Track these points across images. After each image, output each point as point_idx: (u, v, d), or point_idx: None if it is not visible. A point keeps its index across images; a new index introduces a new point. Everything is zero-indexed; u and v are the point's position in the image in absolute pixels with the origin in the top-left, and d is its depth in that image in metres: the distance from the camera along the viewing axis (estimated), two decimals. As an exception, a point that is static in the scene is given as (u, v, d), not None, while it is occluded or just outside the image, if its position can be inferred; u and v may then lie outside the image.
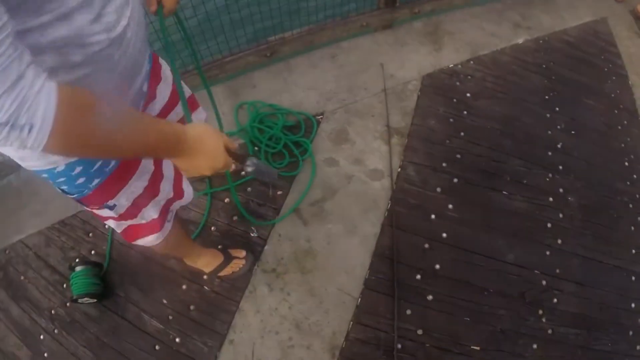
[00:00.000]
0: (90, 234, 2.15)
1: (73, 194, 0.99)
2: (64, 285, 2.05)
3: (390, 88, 2.34)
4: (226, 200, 2.05)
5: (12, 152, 0.84)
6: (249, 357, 1.71)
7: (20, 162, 0.87)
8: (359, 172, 2.06)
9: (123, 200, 1.09)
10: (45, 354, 1.93)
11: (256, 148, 2.12)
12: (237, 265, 1.89)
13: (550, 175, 2.19)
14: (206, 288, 1.87)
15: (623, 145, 2.42)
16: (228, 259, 1.87)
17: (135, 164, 1.06)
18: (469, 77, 2.41)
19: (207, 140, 0.86)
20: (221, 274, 1.88)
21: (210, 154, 0.87)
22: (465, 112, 2.28)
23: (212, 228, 2.00)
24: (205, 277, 1.89)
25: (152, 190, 1.16)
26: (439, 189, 2.06)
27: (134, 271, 2.01)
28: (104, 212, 1.10)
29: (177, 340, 1.80)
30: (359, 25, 2.52)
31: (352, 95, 2.33)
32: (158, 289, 1.93)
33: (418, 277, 1.85)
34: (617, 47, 2.83)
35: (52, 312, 2.01)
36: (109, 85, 0.81)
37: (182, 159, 0.85)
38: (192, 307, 1.85)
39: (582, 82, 2.56)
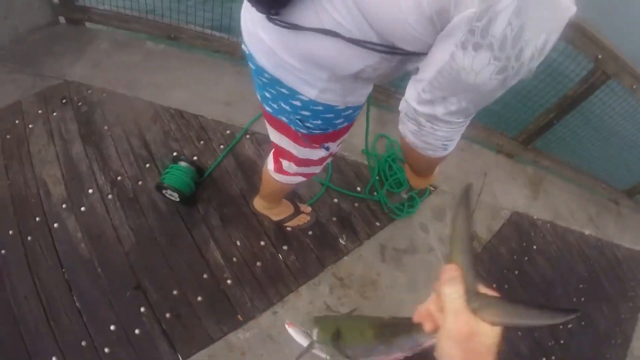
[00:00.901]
0: (202, 142, 2.24)
1: (318, 131, 1.18)
2: (147, 165, 2.10)
3: (486, 203, 2.65)
4: (335, 200, 2.25)
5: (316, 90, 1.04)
6: (280, 334, 1.81)
7: (319, 94, 1.03)
8: (438, 248, 2.30)
9: (336, 144, 1.33)
10: (83, 208, 1.94)
11: (379, 179, 2.36)
12: (303, 219, 2.06)
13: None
14: (280, 257, 1.98)
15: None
16: (297, 212, 2.04)
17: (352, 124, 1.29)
18: (542, 234, 2.75)
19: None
20: (288, 224, 2.03)
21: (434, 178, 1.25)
22: (526, 258, 2.59)
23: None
24: (285, 247, 2.01)
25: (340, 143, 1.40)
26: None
27: (225, 199, 2.08)
28: (315, 153, 1.32)
29: (229, 282, 1.87)
30: (493, 140, 2.87)
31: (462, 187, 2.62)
32: (238, 229, 2.01)
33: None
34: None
35: (118, 178, 2.05)
36: None
37: (425, 177, 1.22)
38: (258, 264, 1.94)
39: (608, 292, 2.96)
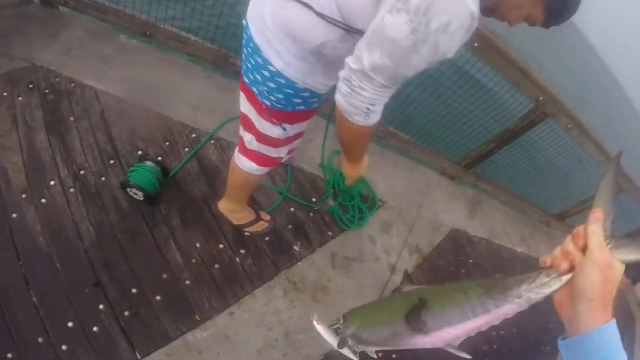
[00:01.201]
0: (167, 143, 2.28)
1: (279, 107, 1.39)
2: (112, 161, 2.11)
3: (428, 220, 2.86)
4: (292, 209, 2.38)
5: (281, 62, 1.26)
6: (237, 334, 1.90)
7: (284, 67, 1.27)
8: (383, 259, 2.47)
9: (294, 128, 1.51)
10: (43, 200, 1.92)
11: (332, 190, 2.51)
12: (262, 226, 2.19)
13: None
14: (238, 260, 2.08)
15: None
16: (257, 219, 2.17)
17: (313, 114, 1.51)
18: (478, 250, 3.00)
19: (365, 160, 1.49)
20: (247, 229, 2.15)
21: (363, 166, 1.49)
22: (463, 270, 2.81)
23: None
24: (242, 251, 2.10)
25: (299, 135, 1.61)
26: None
27: (187, 201, 2.14)
28: (274, 130, 1.49)
29: (188, 282, 1.93)
30: (438, 163, 3.12)
31: (409, 204, 2.84)
32: (198, 231, 2.08)
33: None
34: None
35: (82, 172, 2.04)
36: None
37: (356, 162, 1.46)
38: (217, 266, 2.02)
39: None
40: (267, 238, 2.20)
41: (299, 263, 2.22)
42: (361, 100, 1.07)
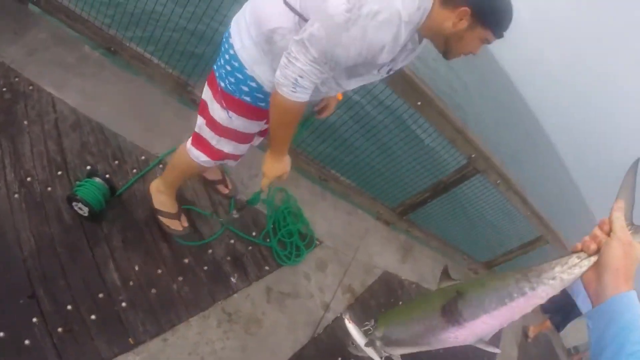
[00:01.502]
0: (116, 162, 2.29)
1: (229, 90, 1.59)
2: (59, 173, 2.09)
3: (362, 262, 3.03)
4: (232, 241, 2.45)
5: (249, 39, 1.50)
6: (169, 359, 1.91)
7: (240, 49, 1.51)
8: (317, 297, 2.59)
9: (238, 121, 1.68)
10: None
11: (273, 227, 2.63)
12: (175, 225, 2.23)
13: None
14: (175, 287, 2.09)
15: None
16: (176, 216, 2.23)
17: (264, 116, 1.68)
18: (408, 293, 3.20)
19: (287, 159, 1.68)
20: (161, 219, 2.19)
21: (284, 164, 1.66)
22: (388, 312, 3.01)
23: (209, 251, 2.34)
24: (180, 278, 2.13)
25: (248, 138, 1.81)
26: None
27: (130, 223, 2.14)
28: (221, 114, 1.68)
29: (124, 304, 1.92)
30: (375, 208, 3.33)
31: (345, 246, 2.99)
32: (138, 254, 2.07)
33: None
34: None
35: (28, 179, 2.00)
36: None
37: (278, 157, 1.62)
38: (154, 291, 2.02)
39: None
40: (205, 267, 2.25)
41: (235, 295, 2.28)
42: (293, 70, 1.28)
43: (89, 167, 2.18)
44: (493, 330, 1.06)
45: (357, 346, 1.20)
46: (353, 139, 3.11)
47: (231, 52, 1.53)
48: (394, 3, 1.17)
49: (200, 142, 1.84)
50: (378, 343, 1.12)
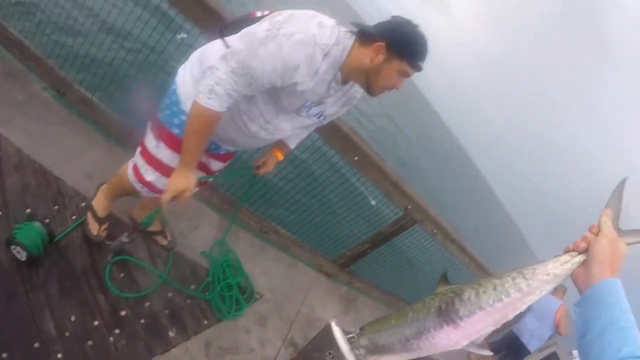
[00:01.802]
0: (56, 207, 2.25)
1: (163, 121, 1.76)
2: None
3: (304, 313, 3.05)
4: (169, 294, 2.43)
5: (190, 79, 1.69)
6: None
7: (180, 84, 1.72)
8: (258, 351, 2.58)
9: (165, 152, 1.81)
10: None
11: (209, 279, 2.64)
12: (94, 228, 2.24)
13: None
14: (111, 340, 2.03)
15: None
16: (100, 221, 2.24)
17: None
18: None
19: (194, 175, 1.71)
20: (89, 215, 2.24)
21: (189, 179, 1.68)
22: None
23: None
24: (117, 330, 2.08)
25: (164, 170, 1.85)
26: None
27: (67, 271, 2.09)
28: (152, 142, 1.83)
29: (59, 355, 1.83)
30: (316, 261, 3.39)
31: (286, 299, 3.02)
32: (75, 304, 2.02)
33: None
34: None
35: None
36: (232, 128, 1.75)
37: (185, 169, 1.66)
38: (90, 343, 1.96)
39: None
40: (142, 321, 2.21)
41: (173, 349, 2.24)
42: (212, 78, 1.43)
43: (28, 210, 2.14)
44: (487, 331, 1.11)
45: (335, 357, 1.22)
46: (293, 192, 3.21)
47: (173, 87, 1.72)
48: (311, 28, 1.37)
49: (134, 163, 1.97)
50: (362, 351, 1.14)
